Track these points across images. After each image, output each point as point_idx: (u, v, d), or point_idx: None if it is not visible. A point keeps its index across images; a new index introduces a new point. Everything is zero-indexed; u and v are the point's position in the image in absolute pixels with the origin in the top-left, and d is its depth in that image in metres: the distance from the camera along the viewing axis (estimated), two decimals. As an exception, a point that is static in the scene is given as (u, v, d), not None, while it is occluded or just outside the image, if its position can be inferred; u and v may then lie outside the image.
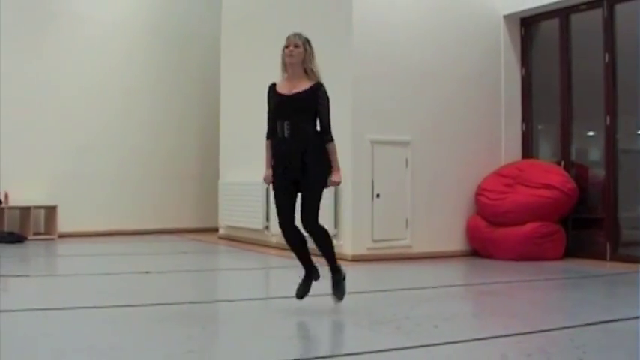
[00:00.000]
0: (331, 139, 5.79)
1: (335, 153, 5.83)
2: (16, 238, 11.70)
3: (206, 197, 13.79)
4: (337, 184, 5.91)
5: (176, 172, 13.88)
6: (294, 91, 5.77)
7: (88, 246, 11.72)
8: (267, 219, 11.19)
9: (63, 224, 12.44)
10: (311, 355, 4.51)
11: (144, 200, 13.52)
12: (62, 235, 12.36)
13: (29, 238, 12.02)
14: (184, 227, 13.72)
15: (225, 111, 12.92)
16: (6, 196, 11.97)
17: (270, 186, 5.98)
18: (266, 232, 11.28)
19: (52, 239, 12.24)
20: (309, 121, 5.74)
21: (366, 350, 4.61)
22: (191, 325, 5.44)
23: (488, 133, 10.57)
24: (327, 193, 9.64)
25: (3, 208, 11.95)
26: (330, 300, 6.00)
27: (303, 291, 6.02)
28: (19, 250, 10.87)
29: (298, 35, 5.87)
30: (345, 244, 9.63)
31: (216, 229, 12.83)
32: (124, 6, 13.72)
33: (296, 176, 5.72)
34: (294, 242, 5.96)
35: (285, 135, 5.73)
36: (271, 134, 5.88)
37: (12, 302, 6.60)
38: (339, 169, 5.85)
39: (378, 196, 9.69)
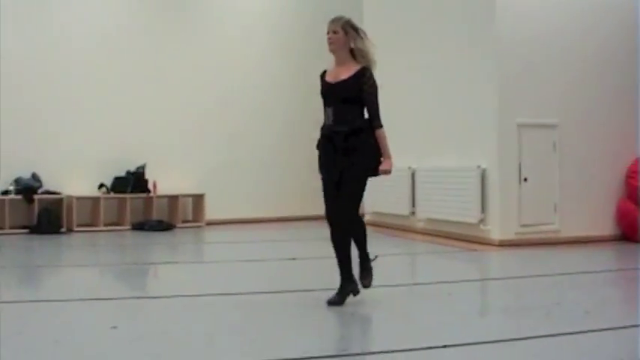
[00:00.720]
0: (380, 125, 5.56)
1: (385, 139, 5.57)
2: (164, 226, 12.07)
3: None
4: (387, 172, 5.63)
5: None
6: (340, 78, 5.61)
7: (234, 233, 11.96)
8: (414, 204, 11.11)
9: (210, 212, 12.75)
10: (457, 342, 4.42)
11: (288, 187, 13.66)
12: (209, 223, 12.66)
13: (177, 225, 12.39)
14: (328, 214, 13.73)
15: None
16: (154, 185, 12.35)
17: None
18: (412, 217, 11.19)
19: (200, 227, 12.57)
20: (355, 108, 5.56)
21: (514, 337, 4.49)
22: (341, 311, 5.45)
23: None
24: (474, 178, 9.67)
25: (152, 197, 12.34)
26: (476, 284, 5.87)
27: (335, 300, 5.63)
28: (168, 238, 11.21)
29: (337, 19, 5.65)
30: (492, 230, 9.47)
31: (362, 215, 12.74)
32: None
33: (340, 161, 5.53)
34: (339, 239, 5.66)
35: (330, 121, 5.62)
36: None
37: (162, 289, 6.80)
38: (389, 157, 5.59)
39: (525, 180, 9.43)
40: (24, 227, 11.45)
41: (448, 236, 10.17)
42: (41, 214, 11.40)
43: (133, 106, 12.42)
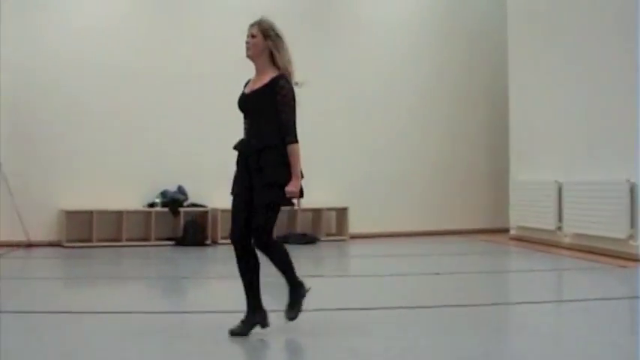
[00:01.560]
0: (292, 141, 4.90)
1: (295, 156, 4.92)
2: (308, 240, 11.99)
3: (495, 197, 13.35)
4: (294, 195, 4.97)
5: (463, 172, 13.57)
6: (256, 87, 5.02)
7: (377, 247, 11.76)
8: (560, 219, 10.60)
9: (353, 225, 12.59)
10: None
11: (431, 201, 13.34)
12: (353, 237, 12.51)
13: (321, 239, 12.30)
14: (472, 228, 13.38)
15: (516, 106, 12.40)
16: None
17: None
18: (558, 232, 10.68)
19: (344, 240, 12.43)
20: (269, 120, 4.91)
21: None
22: (480, 328, 5.15)
23: None
24: (622, 192, 9.13)
25: (296, 210, 12.30)
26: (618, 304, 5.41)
27: (237, 331, 5.01)
28: (313, 251, 11.13)
29: (257, 23, 5.05)
30: (643, 246, 8.99)
31: (507, 230, 12.37)
32: (407, 7, 13.65)
33: (252, 180, 4.97)
34: (243, 266, 5.04)
35: (245, 135, 5.07)
36: None
37: (308, 302, 6.68)
38: (297, 177, 4.93)
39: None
40: (169, 239, 11.60)
41: (595, 252, 9.67)
42: (187, 226, 11.55)
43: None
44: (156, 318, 5.75)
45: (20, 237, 11.03)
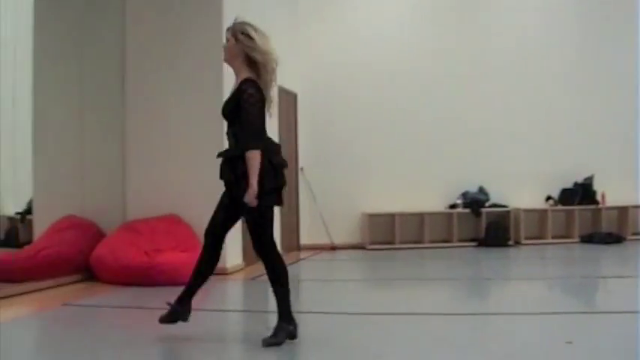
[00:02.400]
0: (251, 147, 4.49)
1: (252, 164, 4.46)
2: (614, 239, 11.41)
3: None
4: (251, 204, 4.49)
5: None
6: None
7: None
8: None
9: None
10: None
11: None
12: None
13: (628, 238, 11.60)
14: None
15: None
16: (603, 196, 11.74)
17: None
18: None
19: (653, 239, 11.65)
20: (241, 128, 4.58)
21: None
22: None
23: None
24: None
25: (600, 209, 11.74)
26: None
27: (166, 318, 4.82)
28: (618, 251, 10.58)
29: (230, 26, 4.70)
30: None
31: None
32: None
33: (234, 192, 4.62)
34: (201, 257, 4.78)
35: (227, 144, 4.73)
36: None
37: (614, 304, 6.33)
38: (251, 186, 4.47)
39: None
40: (472, 240, 11.56)
41: None
42: (489, 227, 11.46)
43: (575, 117, 12.00)
44: (458, 320, 5.71)
45: (324, 240, 11.55)
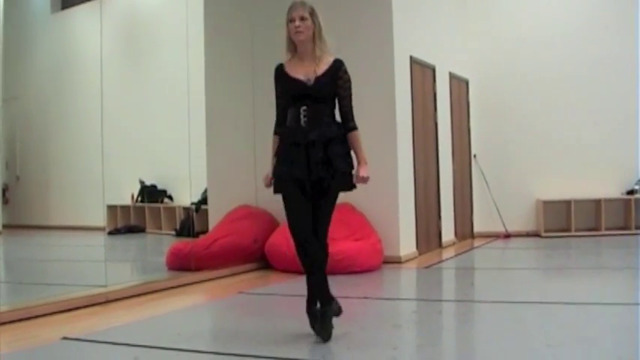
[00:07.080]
0: (356, 127, 4.56)
1: (360, 142, 4.55)
2: None
3: None
4: (365, 180, 4.51)
5: None
6: (316, 75, 4.50)
7: None
8: None
9: None
10: None
11: None
12: None
13: None
14: None
15: None
16: None
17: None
18: None
19: None
20: (328, 109, 4.54)
21: None
22: None
23: None
24: None
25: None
26: None
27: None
28: None
29: (303, 3, 4.56)
30: None
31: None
32: None
33: (315, 174, 4.45)
34: (314, 262, 4.48)
35: (302, 123, 4.48)
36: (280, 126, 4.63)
37: None
38: (366, 162, 4.53)
39: None
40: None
41: None
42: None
43: None
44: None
45: (499, 227, 11.30)
